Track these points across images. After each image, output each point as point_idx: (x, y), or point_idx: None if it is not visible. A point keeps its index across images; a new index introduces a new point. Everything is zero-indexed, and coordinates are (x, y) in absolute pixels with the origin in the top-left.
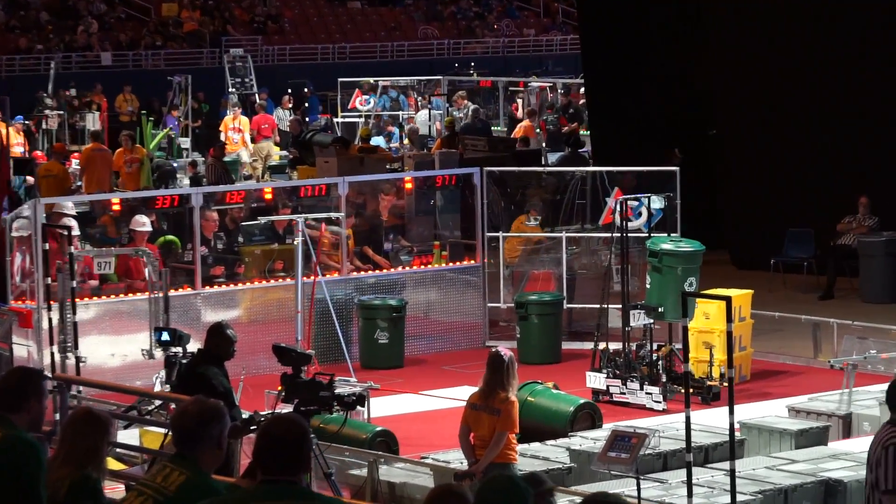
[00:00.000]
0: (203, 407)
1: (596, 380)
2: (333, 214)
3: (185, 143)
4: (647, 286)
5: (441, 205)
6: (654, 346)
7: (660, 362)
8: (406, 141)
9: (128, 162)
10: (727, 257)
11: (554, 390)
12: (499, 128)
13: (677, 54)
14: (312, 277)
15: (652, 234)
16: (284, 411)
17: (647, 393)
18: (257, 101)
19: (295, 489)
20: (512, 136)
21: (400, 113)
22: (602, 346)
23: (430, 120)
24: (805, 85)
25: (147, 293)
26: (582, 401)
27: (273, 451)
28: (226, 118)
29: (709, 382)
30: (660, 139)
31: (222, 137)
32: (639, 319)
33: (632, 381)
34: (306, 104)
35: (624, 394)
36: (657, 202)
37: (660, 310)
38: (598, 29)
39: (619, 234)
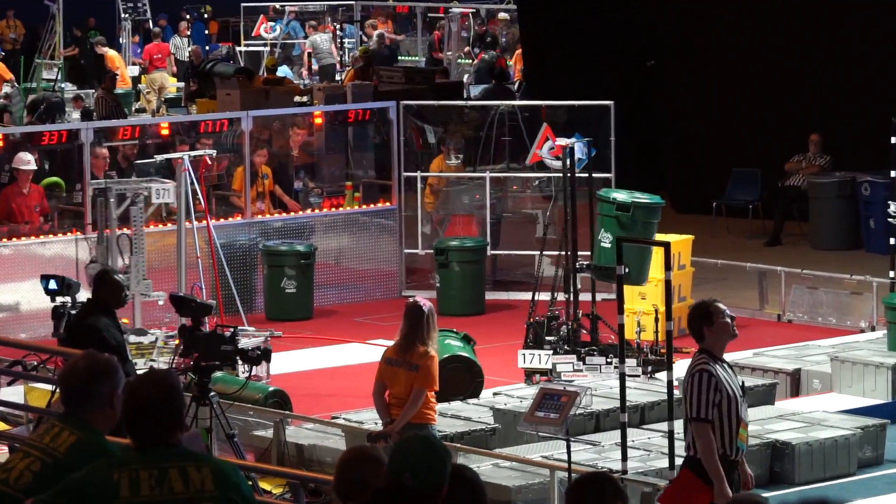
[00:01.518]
0: (93, 363)
1: (534, 359)
2: (207, 151)
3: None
4: (602, 243)
5: (354, 142)
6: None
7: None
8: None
9: None
10: (667, 201)
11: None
12: (417, 58)
13: None
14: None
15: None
16: (182, 366)
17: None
18: (152, 27)
19: (177, 450)
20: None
21: (297, 41)
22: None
23: (330, 46)
24: (753, 10)
25: (32, 237)
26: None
27: (140, 419)
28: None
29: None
30: (593, 71)
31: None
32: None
33: (591, 354)
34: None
35: (581, 371)
36: (580, 151)
37: (625, 270)
38: None
39: (554, 176)
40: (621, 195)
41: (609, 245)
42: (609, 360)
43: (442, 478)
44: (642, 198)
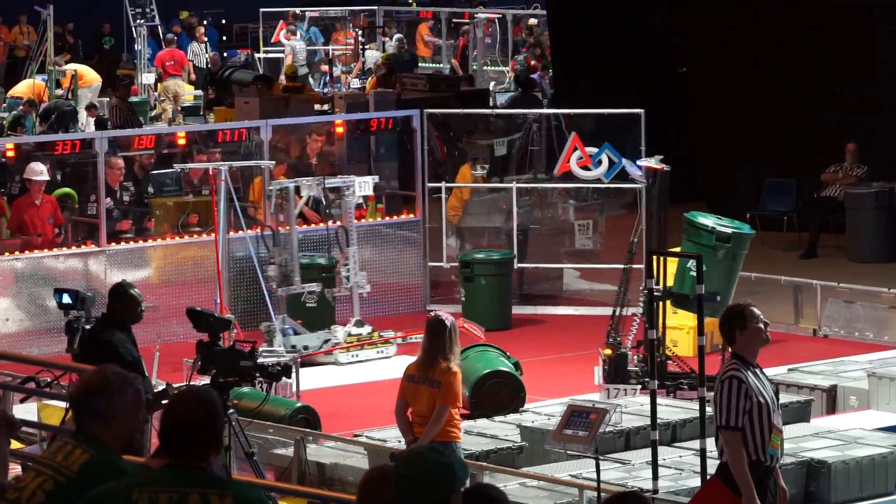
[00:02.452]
0: (105, 378)
1: (619, 394)
2: (262, 163)
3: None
4: (690, 272)
5: (376, 151)
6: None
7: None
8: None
9: None
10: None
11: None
12: (441, 65)
13: None
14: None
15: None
16: (200, 383)
17: None
18: (161, 33)
19: (204, 475)
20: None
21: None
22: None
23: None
24: (788, 18)
25: (45, 249)
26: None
27: (178, 434)
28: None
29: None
30: (623, 78)
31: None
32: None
33: (681, 388)
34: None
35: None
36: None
37: (717, 299)
38: None
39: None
40: (711, 221)
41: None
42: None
43: (446, 493)
44: (737, 227)
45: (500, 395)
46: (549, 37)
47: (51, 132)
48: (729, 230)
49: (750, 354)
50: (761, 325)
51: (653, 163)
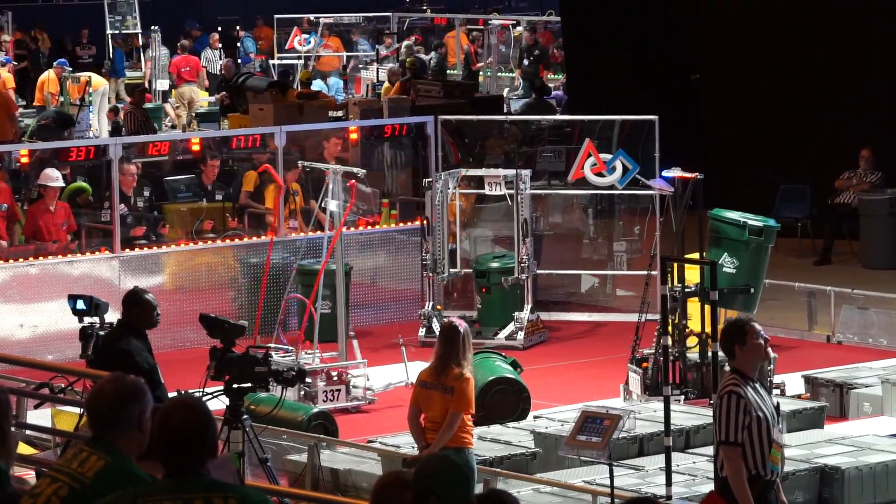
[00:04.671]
0: (121, 386)
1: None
2: (355, 169)
3: None
4: (724, 268)
5: (390, 158)
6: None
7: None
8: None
9: None
10: None
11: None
12: (455, 70)
13: None
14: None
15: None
16: (212, 390)
17: None
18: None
19: (205, 480)
20: None
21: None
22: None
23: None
24: (803, 24)
25: (59, 255)
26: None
27: (177, 445)
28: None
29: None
30: (636, 84)
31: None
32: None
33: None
34: (238, 45)
35: None
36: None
37: (751, 291)
38: None
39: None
40: (735, 215)
41: (734, 270)
42: None
43: (467, 497)
44: (763, 221)
45: (505, 402)
46: (563, 43)
47: (49, 136)
48: (760, 223)
49: (749, 370)
50: (761, 342)
51: (680, 172)
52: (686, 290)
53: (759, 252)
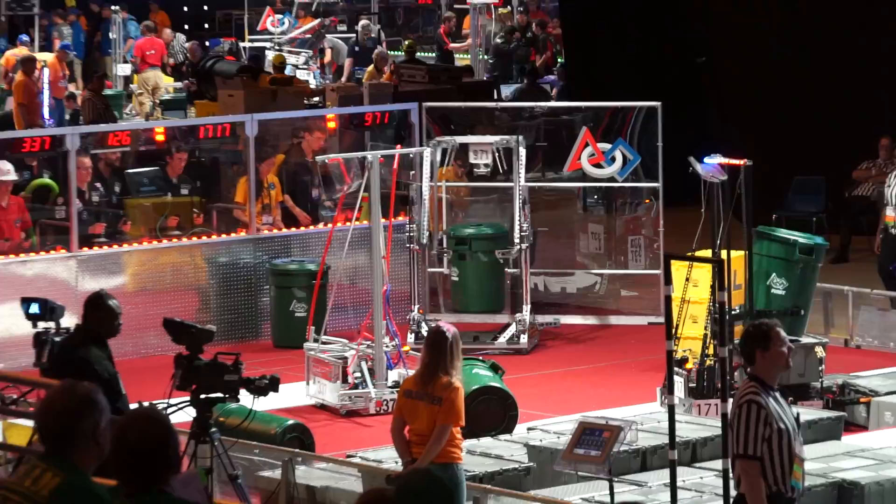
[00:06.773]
0: (70, 397)
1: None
2: (417, 149)
3: None
4: (773, 289)
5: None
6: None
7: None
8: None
9: None
10: None
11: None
12: (431, 54)
13: None
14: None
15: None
16: (178, 401)
17: None
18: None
19: (167, 499)
20: None
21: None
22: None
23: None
24: (817, 5)
25: (12, 255)
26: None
27: (136, 461)
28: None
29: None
30: (638, 68)
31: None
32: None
33: None
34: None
35: None
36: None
37: (801, 313)
38: None
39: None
40: (784, 233)
41: (783, 292)
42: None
43: None
44: (811, 238)
45: (490, 413)
46: (560, 25)
47: None
48: (811, 242)
49: (770, 378)
50: (784, 350)
51: (722, 159)
52: (732, 312)
53: (809, 272)
